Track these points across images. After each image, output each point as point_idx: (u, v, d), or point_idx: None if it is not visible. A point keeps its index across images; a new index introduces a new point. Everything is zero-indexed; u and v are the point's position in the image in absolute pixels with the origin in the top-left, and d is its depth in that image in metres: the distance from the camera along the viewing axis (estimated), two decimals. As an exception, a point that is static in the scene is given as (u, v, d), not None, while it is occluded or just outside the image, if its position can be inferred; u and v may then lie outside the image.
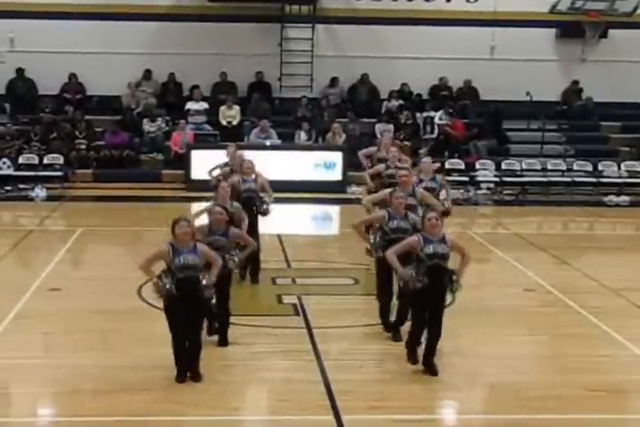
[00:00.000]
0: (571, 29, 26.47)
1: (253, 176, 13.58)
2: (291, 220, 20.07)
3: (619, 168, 24.24)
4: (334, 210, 21.94)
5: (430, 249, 9.63)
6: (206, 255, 9.43)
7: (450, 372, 9.97)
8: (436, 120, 25.58)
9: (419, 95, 26.53)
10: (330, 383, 9.39)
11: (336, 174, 23.37)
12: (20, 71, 25.48)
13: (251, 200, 13.26)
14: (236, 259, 10.37)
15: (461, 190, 23.19)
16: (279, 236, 16.74)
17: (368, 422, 8.59)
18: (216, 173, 15.42)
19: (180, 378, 9.39)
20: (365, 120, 25.59)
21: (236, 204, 12.04)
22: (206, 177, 15.65)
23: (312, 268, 14.88)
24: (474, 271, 14.64)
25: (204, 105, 25.28)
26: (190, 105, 25.22)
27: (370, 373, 9.87)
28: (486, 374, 10.10)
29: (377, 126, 25.40)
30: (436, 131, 25.50)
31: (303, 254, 15.74)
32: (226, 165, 15.39)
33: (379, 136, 25.15)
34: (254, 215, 13.22)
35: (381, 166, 15.18)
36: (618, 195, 22.82)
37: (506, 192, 23.42)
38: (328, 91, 26.35)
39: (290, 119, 25.53)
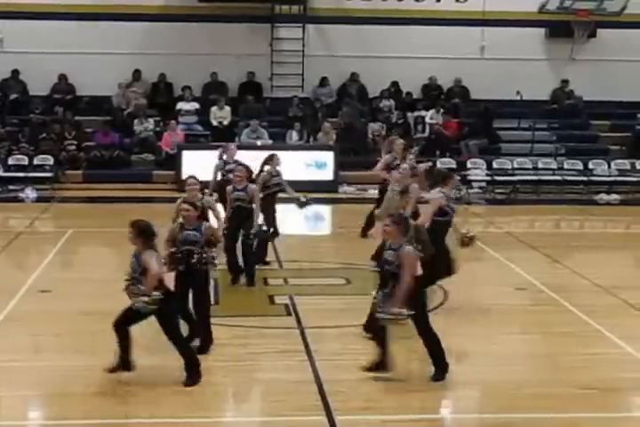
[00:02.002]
0: (560, 29, 26.56)
1: (244, 184, 13.26)
2: (282, 220, 20.02)
3: (609, 167, 24.33)
4: (326, 210, 21.92)
5: (385, 255, 9.60)
6: None
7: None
8: (428, 119, 25.63)
9: (409, 94, 26.57)
10: (322, 384, 9.39)
11: (327, 174, 23.38)
12: (15, 73, 25.45)
13: (240, 210, 13.08)
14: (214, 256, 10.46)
15: (453, 190, 23.19)
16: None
17: (361, 423, 8.58)
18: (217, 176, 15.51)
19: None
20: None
21: (207, 197, 12.35)
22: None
23: (304, 268, 14.88)
24: (466, 270, 14.72)
25: (195, 105, 25.29)
26: (181, 105, 25.22)
27: (362, 372, 9.77)
28: (478, 373, 10.09)
29: (369, 125, 25.43)
30: (428, 130, 25.54)
31: (295, 255, 15.73)
32: (225, 164, 15.49)
33: (370, 136, 25.24)
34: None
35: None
36: (608, 193, 22.89)
37: (497, 191, 23.46)
38: (318, 90, 26.36)
39: (281, 119, 25.54)
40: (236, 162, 15.39)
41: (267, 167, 14.99)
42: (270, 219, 14.70)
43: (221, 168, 15.58)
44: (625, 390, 9.57)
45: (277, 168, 15.16)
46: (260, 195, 13.93)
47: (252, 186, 13.33)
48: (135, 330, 9.36)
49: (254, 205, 13.17)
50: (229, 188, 13.26)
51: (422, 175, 13.87)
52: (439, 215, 11.98)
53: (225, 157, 15.96)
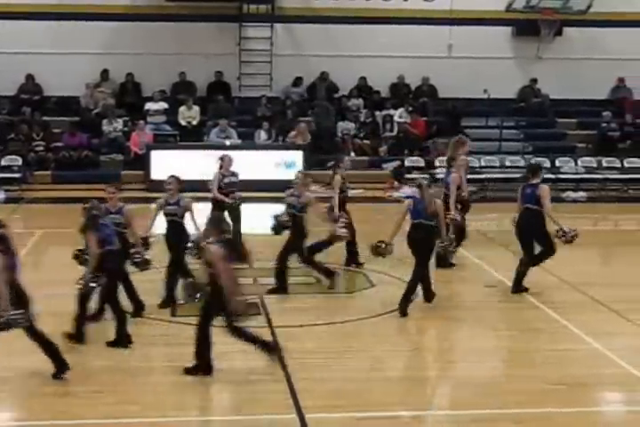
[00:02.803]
0: (527, 28, 26.73)
1: (177, 198, 12.48)
2: (251, 219, 20.04)
3: (575, 164, 24.52)
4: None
5: None
6: None
7: (412, 368, 10.05)
8: (396, 118, 25.73)
9: (378, 93, 26.66)
10: (292, 382, 9.43)
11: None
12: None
13: (173, 226, 12.48)
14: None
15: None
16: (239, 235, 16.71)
17: (331, 420, 8.63)
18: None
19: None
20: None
21: (186, 199, 12.35)
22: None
23: (273, 267, 14.87)
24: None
25: (164, 105, 25.23)
26: (149, 105, 25.16)
27: (333, 371, 9.91)
28: (449, 369, 10.24)
29: (339, 124, 25.49)
30: (396, 129, 25.63)
31: (265, 254, 15.72)
32: (223, 177, 15.15)
33: (339, 134, 25.30)
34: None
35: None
36: (575, 191, 23.07)
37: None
38: (291, 89, 26.38)
39: (250, 119, 25.54)
40: (232, 174, 15.27)
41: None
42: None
43: (220, 180, 15.15)
44: (592, 385, 9.70)
45: (230, 169, 15.21)
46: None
47: (187, 199, 12.49)
48: (101, 334, 9.36)
49: (191, 217, 12.53)
50: (161, 201, 12.59)
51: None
52: None
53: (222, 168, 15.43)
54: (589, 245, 15.20)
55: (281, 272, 13.15)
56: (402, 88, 26.85)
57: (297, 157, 23.53)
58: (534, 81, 26.94)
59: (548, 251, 13.16)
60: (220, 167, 15.24)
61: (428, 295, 12.54)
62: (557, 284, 14.07)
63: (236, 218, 15.04)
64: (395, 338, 11.22)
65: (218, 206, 14.75)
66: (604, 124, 25.92)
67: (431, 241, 12.35)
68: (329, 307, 12.56)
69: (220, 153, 22.36)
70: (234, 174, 15.17)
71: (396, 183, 23.54)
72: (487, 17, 26.29)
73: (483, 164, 24.19)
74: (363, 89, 26.53)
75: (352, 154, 24.90)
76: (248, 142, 24.40)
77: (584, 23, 26.47)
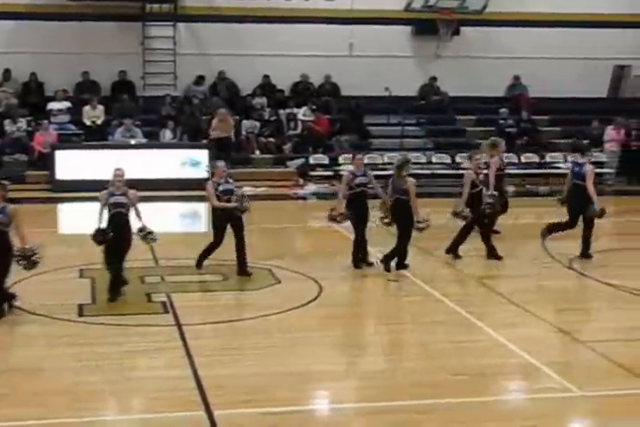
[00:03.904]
0: (425, 27, 27.15)
1: (124, 189, 12.72)
2: (158, 218, 20.01)
3: (475, 160, 24.92)
4: (201, 207, 21.97)
5: None
6: None
7: (318, 362, 10.21)
8: (300, 116, 25.91)
9: (281, 92, 26.82)
10: (200, 379, 9.45)
11: (202, 172, 23.41)
12: None
13: (119, 217, 12.54)
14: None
15: (326, 185, 23.58)
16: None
17: (239, 416, 8.63)
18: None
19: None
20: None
21: (132, 191, 12.54)
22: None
23: (180, 265, 14.93)
24: (341, 263, 15.04)
25: (67, 104, 24.99)
26: (52, 105, 24.90)
27: (241, 367, 9.95)
28: (356, 363, 10.34)
29: (243, 123, 25.58)
30: (300, 127, 25.82)
31: (171, 252, 15.74)
32: (219, 185, 14.08)
33: (243, 133, 25.39)
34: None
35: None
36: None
37: (369, 185, 23.75)
38: (193, 88, 26.38)
39: (154, 118, 25.47)
40: (227, 182, 14.14)
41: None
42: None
43: (215, 189, 14.01)
44: (492, 375, 9.90)
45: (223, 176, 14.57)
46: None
47: (132, 190, 12.79)
48: (9, 336, 9.29)
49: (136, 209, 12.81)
50: (105, 192, 12.66)
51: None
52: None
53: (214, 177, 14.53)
54: (494, 239, 15.55)
55: None
56: (305, 86, 27.06)
57: (202, 155, 23.55)
58: (434, 79, 27.38)
59: (572, 224, 15.38)
60: (213, 175, 14.50)
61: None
62: (460, 277, 14.41)
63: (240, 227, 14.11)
64: (300, 333, 11.31)
65: (220, 216, 14.02)
66: (502, 121, 26.48)
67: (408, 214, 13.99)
68: (235, 304, 12.66)
69: (124, 152, 22.60)
70: (227, 181, 14.18)
71: (300, 181, 23.73)
72: (387, 16, 26.63)
73: (385, 160, 24.46)
74: (266, 88, 26.65)
75: (257, 152, 25.07)
76: (153, 141, 24.35)
77: (480, 23, 27.03)
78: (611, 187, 23.97)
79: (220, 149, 23.29)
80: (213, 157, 23.29)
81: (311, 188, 23.34)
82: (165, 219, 20.32)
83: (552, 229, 15.84)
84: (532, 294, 13.59)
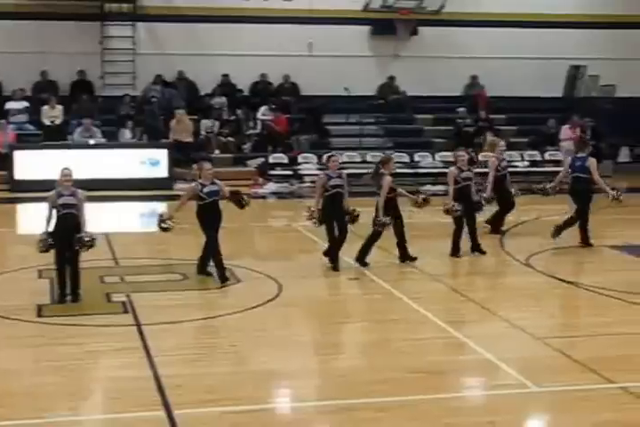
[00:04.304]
0: (384, 27, 27.30)
1: (73, 190, 12.49)
2: (117, 218, 20.01)
3: (433, 158, 25.15)
4: (161, 207, 21.97)
5: None
6: None
7: (277, 361, 10.23)
8: (259, 116, 25.95)
9: (240, 91, 26.85)
10: (160, 379, 9.44)
11: (162, 171, 23.41)
12: None
13: (70, 218, 12.38)
14: None
15: (285, 184, 23.66)
16: (106, 234, 16.68)
17: (199, 415, 8.65)
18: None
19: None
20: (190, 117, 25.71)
21: (80, 191, 12.39)
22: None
23: (140, 265, 14.93)
24: (300, 262, 15.12)
25: (25, 104, 24.87)
26: (10, 104, 24.76)
27: (201, 366, 9.96)
28: (315, 361, 10.39)
29: (202, 122, 25.59)
30: (259, 126, 25.86)
31: (131, 252, 15.75)
32: (202, 186, 13.53)
33: (203, 132, 25.40)
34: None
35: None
36: (434, 184, 23.58)
37: (312, 185, 23.87)
38: (152, 88, 26.32)
39: (113, 117, 25.40)
40: (213, 183, 13.62)
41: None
42: None
43: (199, 190, 13.54)
44: (450, 371, 9.98)
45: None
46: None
47: (81, 191, 12.53)
48: None
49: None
50: (53, 193, 12.42)
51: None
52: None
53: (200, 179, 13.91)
54: (447, 236, 15.67)
55: None
56: (264, 86, 27.10)
57: (162, 155, 23.52)
58: (392, 78, 27.54)
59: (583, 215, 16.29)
60: (199, 177, 13.87)
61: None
62: (417, 275, 14.47)
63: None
64: (261, 333, 11.33)
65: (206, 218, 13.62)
66: (460, 120, 26.70)
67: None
68: (195, 303, 12.67)
69: (83, 152, 22.52)
70: (214, 183, 13.65)
71: (260, 180, 23.77)
72: (345, 16, 26.79)
73: (345, 159, 24.52)
74: (225, 87, 26.68)
75: (216, 151, 25.08)
76: (112, 141, 24.29)
77: (438, 23, 27.25)
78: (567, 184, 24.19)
79: (178, 151, 23.27)
80: (172, 158, 23.35)
81: (271, 187, 23.39)
82: (125, 219, 20.30)
83: (562, 228, 16.38)
84: (489, 291, 13.78)
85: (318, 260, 15.12)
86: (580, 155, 16.44)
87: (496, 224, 17.41)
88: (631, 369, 9.94)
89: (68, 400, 9.05)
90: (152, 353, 10.28)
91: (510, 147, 25.91)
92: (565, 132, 25.57)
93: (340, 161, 23.63)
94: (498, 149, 17.59)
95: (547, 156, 25.93)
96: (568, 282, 13.90)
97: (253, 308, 12.29)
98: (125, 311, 12.07)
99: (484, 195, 16.70)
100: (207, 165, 13.82)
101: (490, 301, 12.80)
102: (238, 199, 13.95)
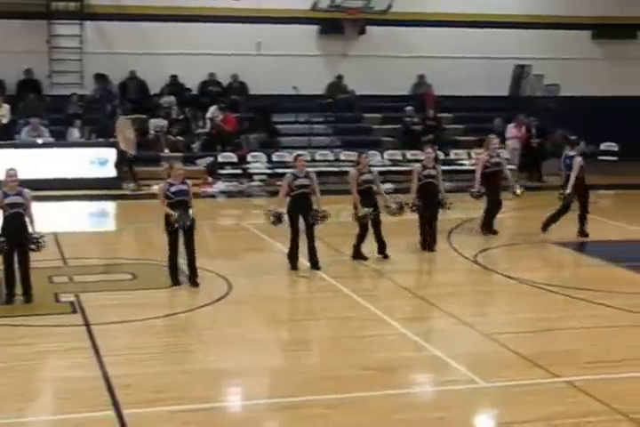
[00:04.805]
0: (332, 26, 27.38)
1: (19, 190, 12.36)
2: (66, 217, 19.89)
3: (382, 157, 25.25)
4: (110, 206, 21.91)
5: None
6: None
7: (228, 360, 10.27)
8: (208, 115, 25.90)
9: (189, 90, 26.79)
10: (110, 379, 9.44)
11: (110, 171, 23.24)
12: None
13: (18, 218, 12.24)
14: None
15: (235, 183, 23.64)
16: (55, 234, 16.57)
17: (148, 415, 8.65)
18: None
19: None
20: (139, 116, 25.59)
21: (26, 190, 12.28)
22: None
23: (89, 265, 14.87)
24: (250, 261, 15.16)
25: (-29, 104, 24.59)
26: (-44, 104, 24.48)
27: (150, 366, 9.97)
28: (267, 359, 10.40)
29: (151, 121, 25.49)
30: (208, 125, 25.81)
31: (80, 252, 15.67)
32: (170, 186, 13.33)
33: (152, 132, 25.30)
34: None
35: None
36: (383, 182, 23.62)
37: (278, 183, 23.80)
38: (102, 87, 26.14)
39: (61, 117, 25.21)
40: (183, 183, 13.40)
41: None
42: None
43: (167, 189, 13.28)
44: (400, 368, 10.10)
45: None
46: None
47: (26, 190, 12.42)
48: None
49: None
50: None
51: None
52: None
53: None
54: (396, 234, 15.77)
55: None
56: (213, 85, 27.06)
57: (110, 154, 23.35)
58: (340, 77, 27.64)
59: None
60: (168, 176, 13.55)
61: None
62: (367, 272, 14.59)
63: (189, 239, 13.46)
64: (211, 331, 11.36)
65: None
66: (408, 119, 26.84)
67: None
68: (144, 303, 12.62)
69: (31, 151, 22.32)
70: (184, 182, 13.42)
71: (209, 179, 23.74)
72: (294, 15, 26.81)
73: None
74: (174, 86, 26.61)
75: (166, 150, 24.99)
76: (60, 140, 24.10)
77: (386, 22, 27.33)
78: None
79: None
80: (121, 157, 23.20)
81: (220, 186, 23.36)
82: (74, 218, 20.18)
83: (550, 221, 16.91)
84: (437, 288, 13.90)
85: (267, 258, 15.19)
86: (571, 153, 16.91)
87: (488, 225, 17.39)
88: (576, 364, 10.12)
89: (16, 401, 9.00)
90: (101, 353, 10.27)
91: (457, 145, 26.23)
92: (511, 130, 25.81)
93: (289, 160, 24.04)
94: (490, 146, 17.63)
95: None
96: (514, 278, 14.07)
97: (203, 306, 12.32)
98: (74, 311, 12.02)
99: (473, 190, 16.99)
100: (177, 165, 13.68)
101: (438, 298, 12.92)
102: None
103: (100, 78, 25.79)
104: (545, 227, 16.97)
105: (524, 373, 9.86)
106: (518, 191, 17.68)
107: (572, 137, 17.57)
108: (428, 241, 15.79)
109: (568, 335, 11.30)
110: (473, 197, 17.30)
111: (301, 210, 14.36)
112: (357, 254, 15.07)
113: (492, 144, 17.73)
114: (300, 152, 16.72)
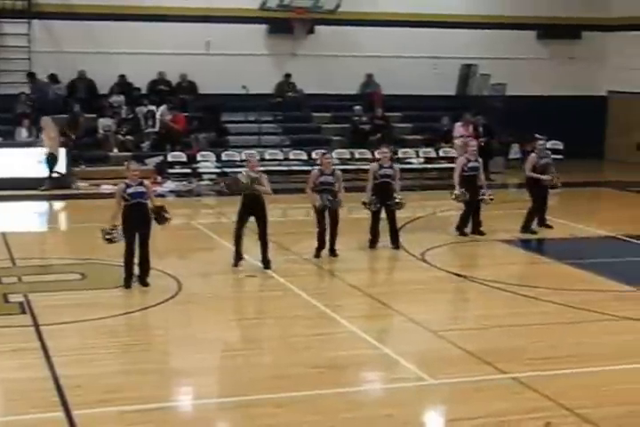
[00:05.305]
0: (280, 26, 27.41)
1: None
2: (15, 217, 19.76)
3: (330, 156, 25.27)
4: (59, 205, 21.78)
5: None
6: None
7: (179, 359, 10.31)
8: (158, 115, 25.83)
9: (138, 89, 26.69)
10: (59, 379, 9.39)
11: (59, 170, 23.07)
12: None
13: None
14: None
15: (184, 182, 23.62)
16: (3, 234, 16.48)
17: (98, 415, 8.61)
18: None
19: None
20: (87, 115, 25.45)
21: None
22: None
23: (38, 265, 14.79)
24: (200, 260, 15.15)
25: None
26: None
27: (100, 366, 9.93)
28: (216, 358, 10.44)
29: (100, 121, 25.37)
30: (158, 125, 25.75)
31: (29, 252, 15.57)
32: (128, 187, 13.05)
33: (101, 131, 25.18)
34: None
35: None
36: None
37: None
38: (50, 87, 25.96)
39: (9, 116, 24.99)
40: (140, 184, 13.09)
41: None
42: None
43: (123, 191, 13.03)
44: (349, 366, 10.14)
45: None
46: None
47: None
48: None
49: None
50: None
51: None
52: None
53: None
54: (346, 233, 15.84)
55: None
56: (162, 84, 26.99)
57: (59, 154, 23.18)
58: (289, 76, 27.69)
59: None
60: (125, 177, 13.27)
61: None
62: (316, 271, 14.66)
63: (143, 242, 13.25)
64: (160, 331, 11.38)
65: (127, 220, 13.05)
66: (356, 118, 26.96)
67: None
68: (94, 303, 12.56)
69: None
70: (141, 184, 13.12)
71: (159, 178, 23.68)
72: (242, 15, 26.81)
73: (243, 157, 24.53)
74: (123, 86, 26.49)
75: (115, 150, 24.90)
76: (9, 140, 23.92)
77: (334, 22, 27.41)
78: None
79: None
80: (70, 156, 23.08)
81: (169, 185, 23.32)
82: (22, 218, 20.04)
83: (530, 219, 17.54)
84: (385, 286, 14.03)
85: (217, 257, 15.19)
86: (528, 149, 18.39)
87: (474, 225, 17.37)
88: (522, 360, 10.27)
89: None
90: (50, 353, 10.22)
91: (405, 144, 26.40)
92: (458, 129, 26.03)
93: (239, 159, 24.11)
94: (469, 148, 17.59)
95: (441, 153, 26.35)
96: (461, 276, 14.23)
97: (153, 306, 12.31)
98: (23, 312, 11.95)
99: (456, 191, 16.87)
100: (133, 166, 13.40)
101: (387, 296, 13.02)
102: (160, 214, 13.39)
103: (31, 77, 25.62)
104: (526, 227, 17.51)
105: (472, 369, 9.96)
106: (488, 199, 17.21)
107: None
108: (392, 240, 15.96)
109: (515, 332, 11.43)
110: (458, 201, 17.13)
111: (253, 208, 14.30)
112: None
113: (470, 147, 17.73)
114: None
